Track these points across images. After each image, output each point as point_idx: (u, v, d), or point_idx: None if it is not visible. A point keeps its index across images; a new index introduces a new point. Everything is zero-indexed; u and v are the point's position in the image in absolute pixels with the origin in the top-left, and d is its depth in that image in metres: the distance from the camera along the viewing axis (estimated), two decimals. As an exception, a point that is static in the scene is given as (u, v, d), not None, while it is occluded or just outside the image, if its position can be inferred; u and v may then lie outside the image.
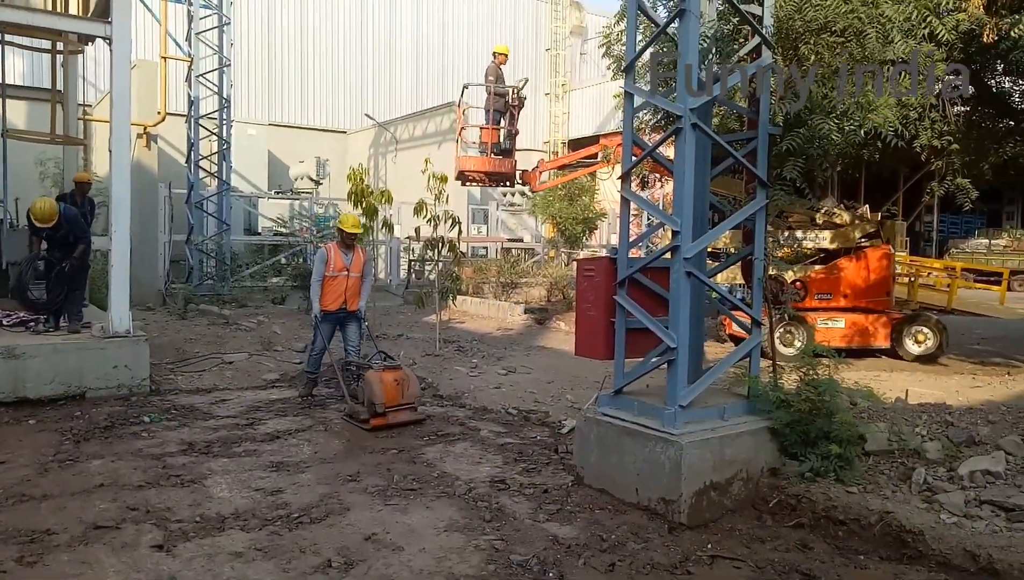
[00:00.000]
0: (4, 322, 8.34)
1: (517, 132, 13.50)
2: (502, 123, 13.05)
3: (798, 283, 11.12)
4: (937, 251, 26.31)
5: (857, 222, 11.17)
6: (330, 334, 7.73)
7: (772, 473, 4.95)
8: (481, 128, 13.23)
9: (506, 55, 13.81)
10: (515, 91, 13.30)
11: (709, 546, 4.30)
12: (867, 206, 11.95)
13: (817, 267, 11.20)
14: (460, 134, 13.43)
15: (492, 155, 12.71)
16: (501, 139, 12.94)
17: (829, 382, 4.96)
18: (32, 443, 6.05)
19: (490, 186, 15.65)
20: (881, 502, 4.45)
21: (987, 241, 26.62)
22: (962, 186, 7.94)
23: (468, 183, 13.84)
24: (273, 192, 21.49)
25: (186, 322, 12.16)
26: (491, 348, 11.42)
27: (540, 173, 13.08)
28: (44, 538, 4.20)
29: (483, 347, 11.44)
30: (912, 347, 10.81)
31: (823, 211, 11.31)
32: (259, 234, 19.34)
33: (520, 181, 13.37)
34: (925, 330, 10.81)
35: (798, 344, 10.38)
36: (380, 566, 3.97)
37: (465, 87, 13.49)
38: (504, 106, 13.08)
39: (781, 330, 10.47)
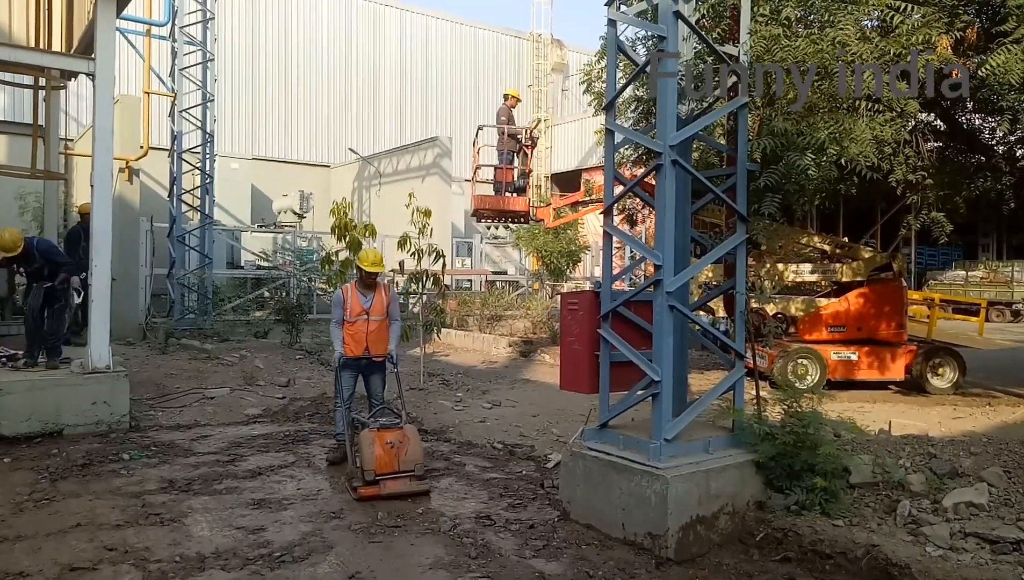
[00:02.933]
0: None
1: (531, 170, 13.90)
2: (515, 162, 13.42)
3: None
4: (915, 282, 26.70)
5: (869, 255, 11.38)
6: (352, 383, 6.65)
7: (758, 506, 4.95)
8: (495, 168, 13.56)
9: (517, 97, 14.41)
10: (528, 131, 13.75)
11: (696, 581, 4.27)
12: (845, 238, 12.20)
13: (827, 300, 11.31)
14: (475, 173, 13.74)
15: (506, 194, 13.01)
16: (515, 178, 13.26)
17: (813, 415, 4.99)
18: (6, 482, 5.91)
19: (504, 223, 15.94)
20: (867, 535, 4.46)
21: (964, 273, 27.13)
22: (937, 220, 8.10)
23: (483, 220, 14.19)
24: (256, 226, 21.47)
25: (167, 357, 12.02)
26: (476, 381, 11.38)
27: (552, 210, 13.41)
28: (18, 581, 4.09)
29: (468, 380, 11.40)
30: (936, 382, 10.87)
31: (837, 244, 11.55)
32: (242, 268, 19.24)
33: (534, 218, 13.68)
34: (945, 364, 10.91)
35: (810, 379, 10.46)
36: (364, 606, 3.90)
37: (480, 128, 13.94)
38: (517, 146, 13.47)
39: (793, 363, 10.54)
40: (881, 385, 11.04)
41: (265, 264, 18.40)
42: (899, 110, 6.64)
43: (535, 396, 10.31)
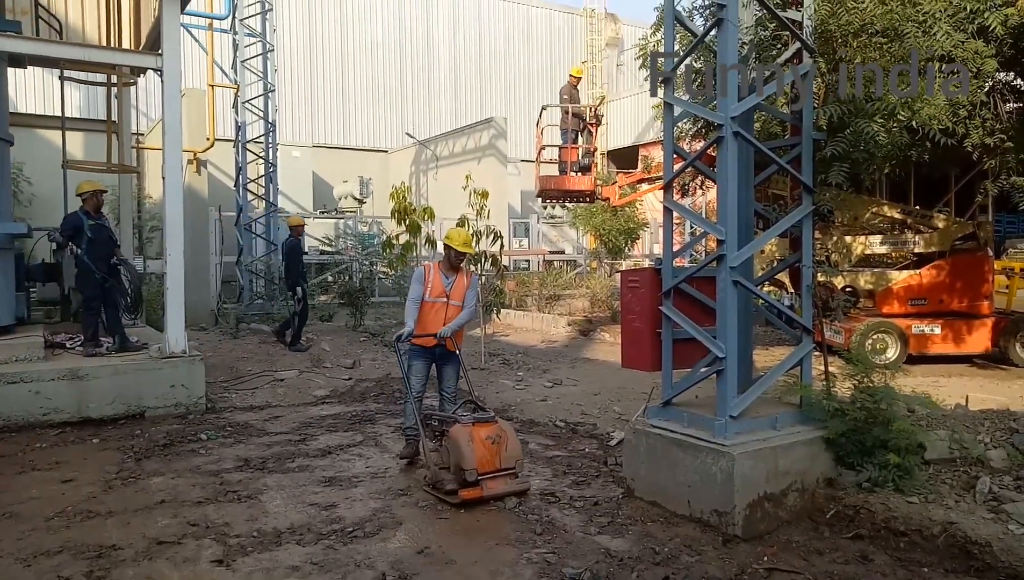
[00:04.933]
0: (67, 345, 8.66)
1: (595, 149, 13.73)
2: (579, 141, 13.30)
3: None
4: (994, 252, 25.44)
5: (944, 224, 10.94)
6: (423, 375, 6.09)
7: (828, 483, 4.85)
8: (560, 147, 13.47)
9: (579, 76, 14.25)
10: (592, 109, 13.60)
11: (765, 559, 4.22)
12: (917, 207, 11.72)
13: (907, 273, 10.94)
14: (539, 153, 13.70)
15: (571, 173, 12.92)
16: (580, 157, 13.16)
17: (886, 390, 4.85)
18: (96, 461, 6.27)
19: (570, 203, 15.87)
20: (944, 512, 4.32)
21: (1047, 240, 25.68)
22: (1017, 185, 7.70)
23: (548, 201, 14.11)
24: (318, 212, 21.92)
25: (238, 341, 12.44)
26: (536, 361, 11.43)
27: (619, 189, 13.24)
28: (110, 553, 4.34)
29: (528, 360, 11.46)
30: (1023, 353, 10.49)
31: (910, 213, 11.13)
32: (306, 253, 19.71)
33: (599, 197, 13.55)
34: None
35: (891, 352, 10.17)
36: (433, 579, 4.01)
37: (544, 108, 13.87)
38: (580, 124, 13.35)
39: (872, 337, 10.28)
40: (961, 359, 10.62)
41: (328, 249, 18.81)
42: (975, 70, 6.31)
43: (596, 375, 10.30)
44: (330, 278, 17.60)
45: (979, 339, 10.49)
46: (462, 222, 10.48)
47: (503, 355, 11.71)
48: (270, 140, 16.19)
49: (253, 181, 16.34)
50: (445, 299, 6.01)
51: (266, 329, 13.23)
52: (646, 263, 19.92)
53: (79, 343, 8.55)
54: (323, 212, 21.99)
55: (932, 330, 10.49)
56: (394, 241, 11.21)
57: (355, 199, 21.44)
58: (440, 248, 11.34)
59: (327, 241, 18.84)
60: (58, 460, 6.27)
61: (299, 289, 11.33)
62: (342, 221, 20.42)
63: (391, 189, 10.99)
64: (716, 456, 4.58)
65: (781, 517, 4.66)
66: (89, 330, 8.32)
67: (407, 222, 10.62)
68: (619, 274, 9.63)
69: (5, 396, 7.15)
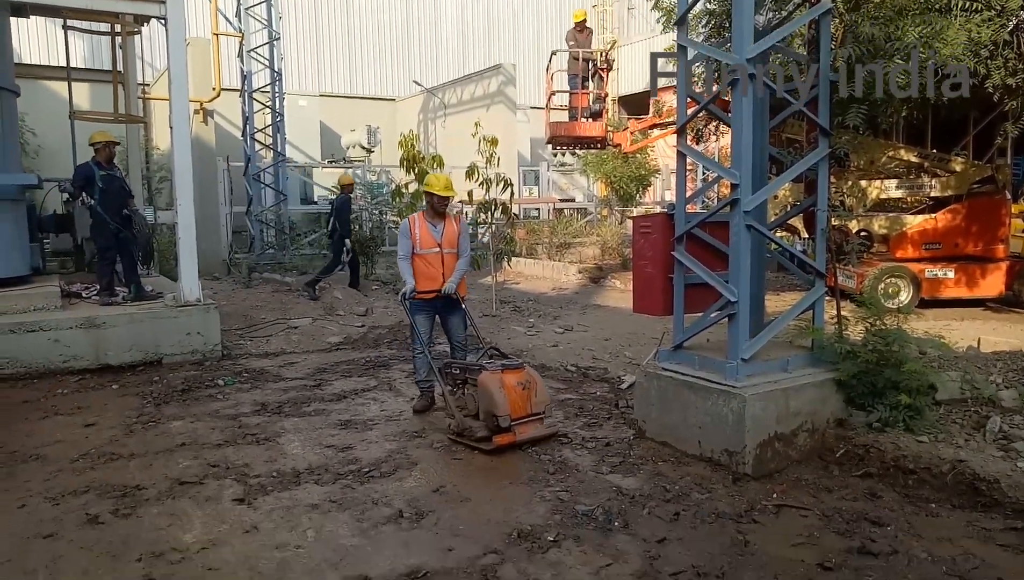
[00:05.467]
0: (84, 294, 8.76)
1: (606, 94, 13.48)
2: (589, 87, 13.05)
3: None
4: (1012, 195, 25.07)
5: (962, 168, 10.77)
6: (428, 328, 6.08)
7: (838, 424, 4.90)
8: (570, 93, 13.23)
9: (581, 19, 13.91)
10: (603, 53, 13.30)
11: (775, 495, 4.30)
12: (934, 150, 11.52)
13: (922, 217, 10.82)
14: (548, 99, 13.48)
15: (582, 119, 12.71)
16: (590, 102, 12.92)
17: (898, 331, 4.85)
18: (116, 406, 6.40)
19: (580, 150, 15.63)
20: (953, 451, 4.37)
21: (1066, 184, 25.25)
22: (1039, 126, 7.53)
23: (558, 148, 13.92)
24: (326, 161, 21.79)
25: (251, 290, 12.53)
26: (547, 308, 11.48)
27: (630, 134, 13.00)
28: (135, 493, 4.46)
29: (539, 307, 11.51)
30: None
31: (927, 156, 10.96)
32: (315, 203, 19.69)
33: (610, 144, 13.34)
34: None
35: (903, 296, 10.15)
36: (449, 516, 4.10)
37: (553, 53, 13.61)
38: (591, 70, 13.07)
39: (884, 281, 10.24)
40: (974, 302, 10.60)
41: (337, 199, 18.72)
42: (999, 8, 6.13)
43: (606, 321, 10.34)
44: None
45: (993, 283, 10.43)
46: (472, 170, 10.40)
47: (514, 302, 11.75)
48: (276, 89, 16.00)
49: (260, 131, 16.21)
50: (438, 249, 5.91)
51: (279, 278, 13.31)
52: (657, 210, 19.78)
53: (95, 293, 8.64)
54: (331, 162, 21.85)
55: (945, 274, 10.43)
56: (403, 190, 11.16)
57: (363, 148, 21.27)
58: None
59: (336, 191, 18.76)
60: (79, 405, 6.41)
61: (348, 241, 12.20)
62: (350, 170, 20.30)
63: (400, 137, 10.90)
64: (727, 398, 4.63)
65: (791, 456, 4.73)
66: (104, 279, 8.40)
67: (416, 170, 10.55)
68: (631, 220, 9.58)
69: (25, 344, 7.27)
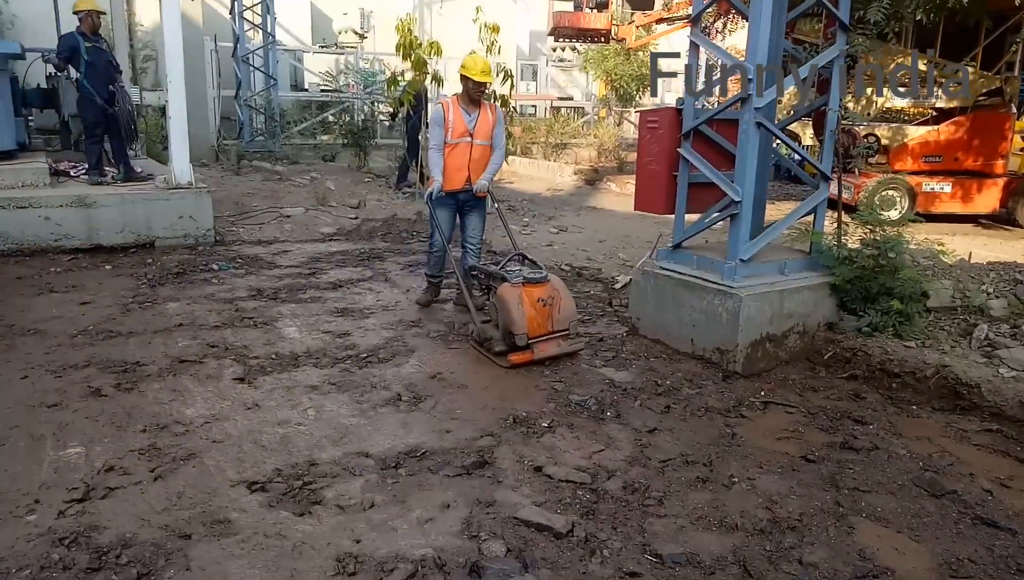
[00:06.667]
0: (72, 173, 8.58)
1: None
2: None
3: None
4: (1017, 110, 24.69)
5: (981, 79, 10.53)
6: (450, 224, 5.78)
7: (829, 327, 4.99)
8: None
9: None
10: None
11: (762, 393, 4.43)
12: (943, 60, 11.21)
13: (924, 129, 10.64)
14: None
15: (587, 10, 12.22)
16: None
17: (896, 239, 4.87)
18: (111, 286, 6.39)
19: (584, 43, 15.08)
20: (939, 356, 4.48)
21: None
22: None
23: (561, 40, 13.45)
24: (318, 46, 20.99)
25: (241, 177, 12.34)
26: (541, 208, 11.41)
27: (636, 29, 12.52)
28: (136, 369, 4.52)
29: (533, 207, 11.44)
30: None
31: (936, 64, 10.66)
32: (306, 90, 19.11)
33: (615, 38, 12.87)
34: None
35: (897, 209, 10.13)
36: (446, 401, 4.20)
37: None
38: None
39: (880, 193, 10.18)
40: (967, 218, 10.62)
41: (328, 87, 18.18)
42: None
43: (601, 223, 10.32)
44: (331, 117, 17.15)
45: (988, 199, 10.42)
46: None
47: (508, 201, 11.67)
48: (266, -36, 15.21)
49: (249, 9, 15.50)
50: (469, 138, 5.50)
51: (268, 167, 13.07)
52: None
53: (83, 171, 8.46)
54: (322, 47, 21.04)
55: (942, 188, 10.39)
56: (399, 78, 10.80)
57: (356, 33, 20.48)
58: (446, 87, 10.74)
59: (328, 77, 18.18)
60: (74, 284, 6.40)
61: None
62: (343, 57, 19.60)
63: (396, 22, 10.43)
64: (723, 297, 4.68)
65: (780, 357, 4.83)
66: (93, 158, 8.20)
67: (412, 57, 10.17)
68: (638, 115, 9.36)
69: (17, 220, 7.16)
